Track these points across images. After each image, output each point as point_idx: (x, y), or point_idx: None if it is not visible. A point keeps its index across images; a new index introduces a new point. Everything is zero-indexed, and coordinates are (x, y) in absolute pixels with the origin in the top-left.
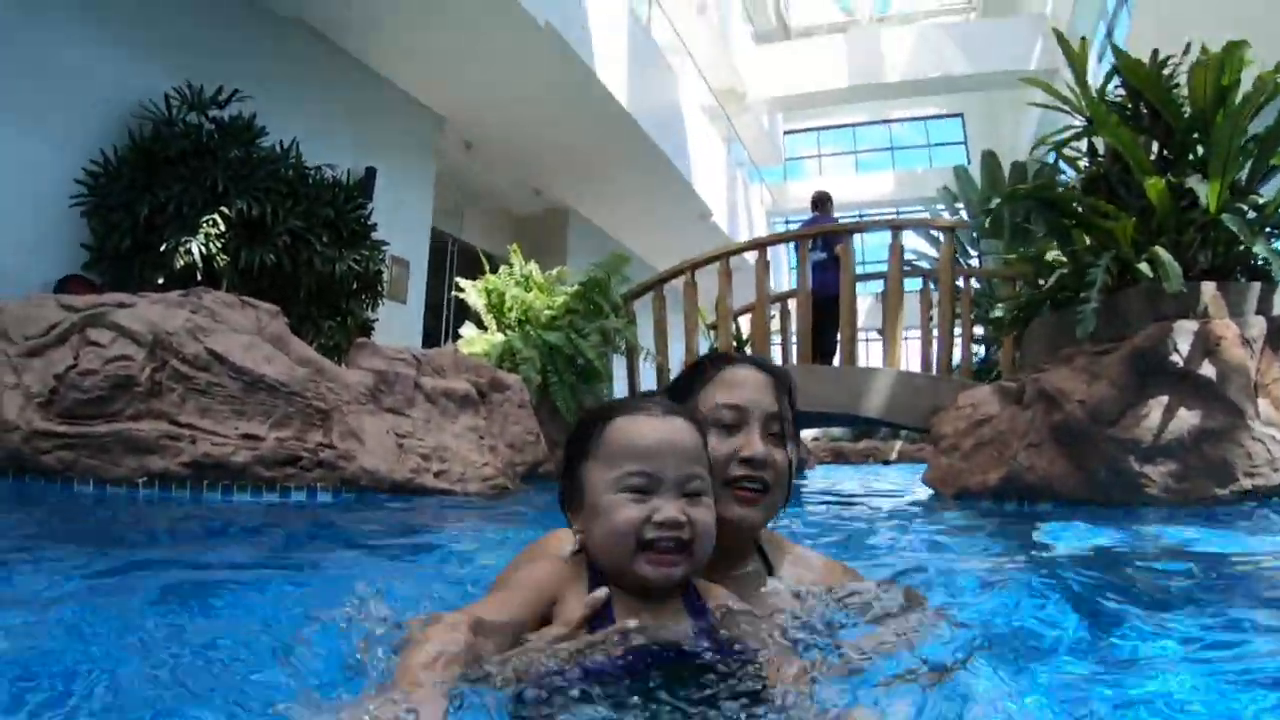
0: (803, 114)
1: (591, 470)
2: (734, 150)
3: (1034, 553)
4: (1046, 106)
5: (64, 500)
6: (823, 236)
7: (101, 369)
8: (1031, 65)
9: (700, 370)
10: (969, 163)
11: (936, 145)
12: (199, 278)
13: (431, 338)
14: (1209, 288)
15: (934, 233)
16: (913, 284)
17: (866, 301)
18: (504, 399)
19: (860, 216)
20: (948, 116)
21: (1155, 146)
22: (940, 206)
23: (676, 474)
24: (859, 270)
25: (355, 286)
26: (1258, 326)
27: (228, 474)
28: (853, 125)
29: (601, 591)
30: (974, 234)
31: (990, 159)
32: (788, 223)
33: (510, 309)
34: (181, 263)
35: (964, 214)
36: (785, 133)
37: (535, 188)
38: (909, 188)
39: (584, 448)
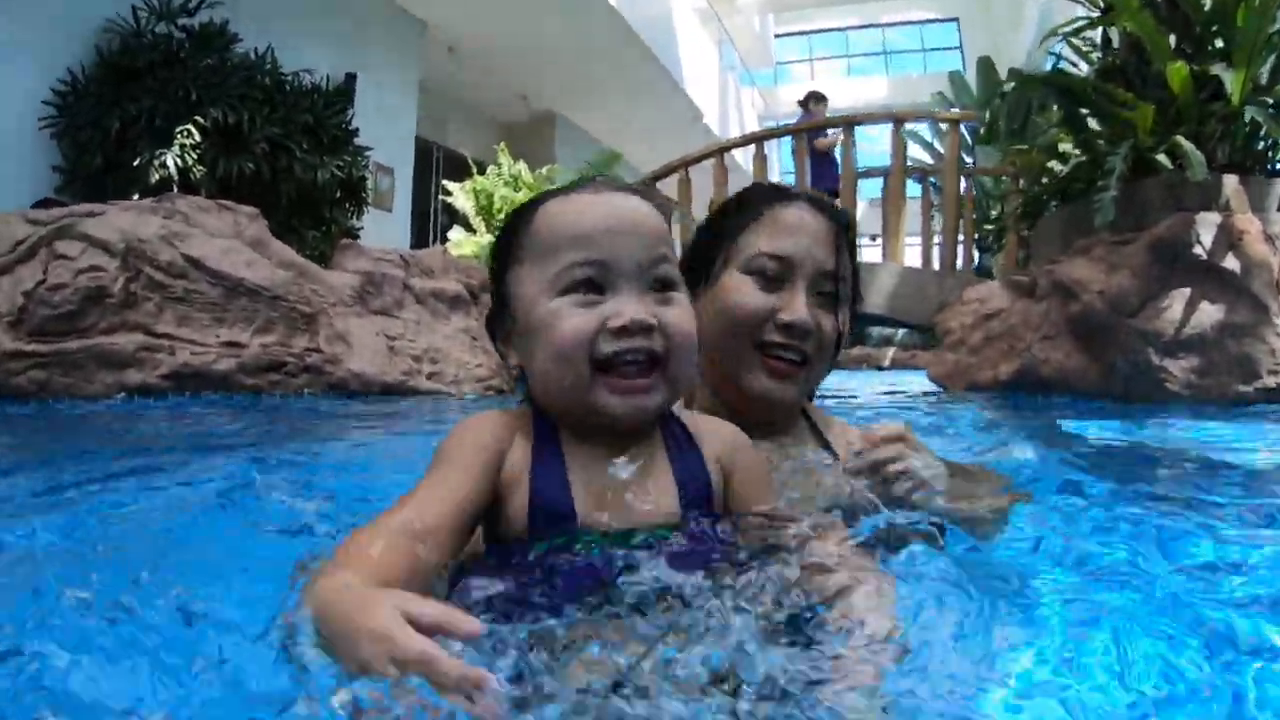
0: (794, 16)
1: (522, 277)
2: (725, 53)
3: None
4: None
5: (39, 421)
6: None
7: (72, 282)
8: None
9: (744, 205)
10: (964, 69)
11: (931, 50)
12: (175, 191)
13: (419, 246)
14: (1231, 180)
15: (942, 127)
16: (910, 191)
17: (860, 207)
18: None
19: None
20: (942, 21)
21: (1173, 39)
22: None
23: (637, 259)
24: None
25: (339, 194)
26: None
27: (209, 383)
28: (845, 29)
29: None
30: (970, 139)
31: (987, 64)
32: (778, 125)
33: (499, 210)
34: (157, 176)
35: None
36: (776, 36)
37: (521, 93)
38: (903, 93)
39: (510, 250)
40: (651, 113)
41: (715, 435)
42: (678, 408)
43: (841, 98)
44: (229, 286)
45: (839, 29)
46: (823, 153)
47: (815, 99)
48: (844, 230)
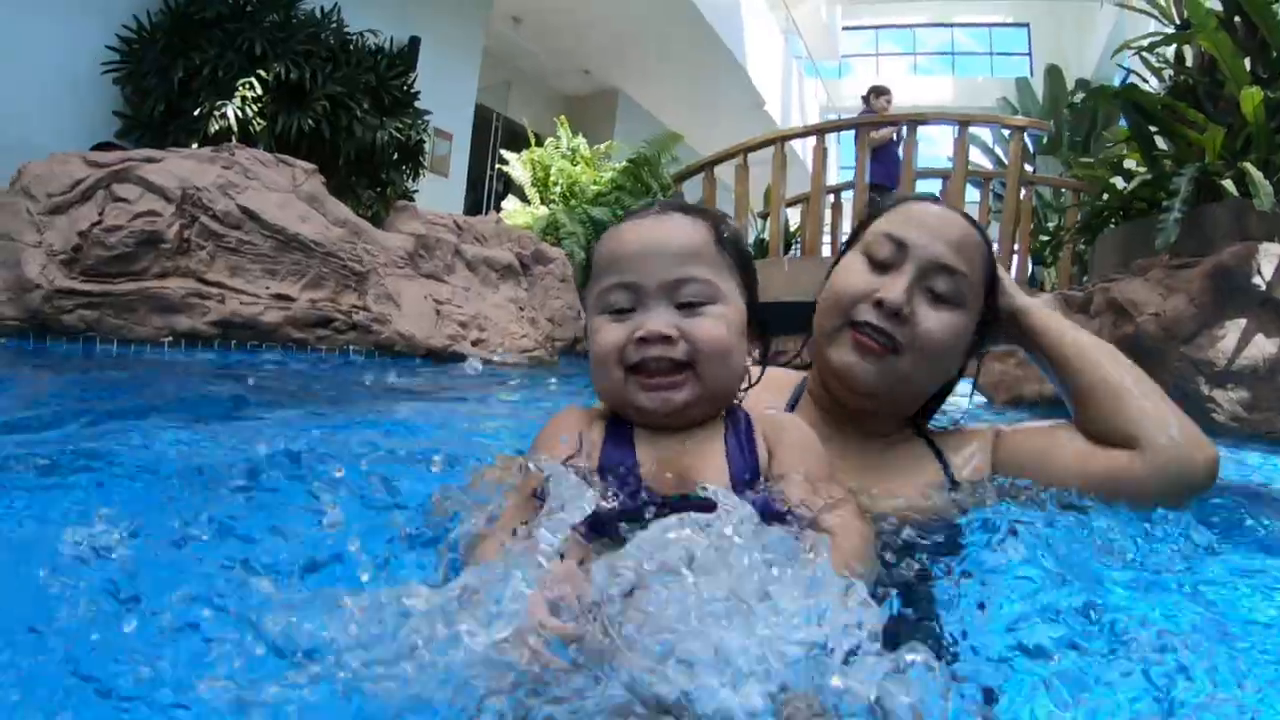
0: (863, 9)
1: (587, 295)
2: (791, 42)
3: None
4: (1134, 9)
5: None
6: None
7: (127, 225)
8: None
9: (874, 207)
10: (1031, 75)
11: (998, 54)
12: (234, 142)
13: (472, 214)
14: None
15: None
16: (968, 195)
17: None
18: (546, 272)
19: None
20: (1013, 25)
21: (1249, 63)
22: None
23: (661, 279)
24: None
25: (396, 156)
26: None
27: (257, 334)
28: (913, 26)
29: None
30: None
31: (1054, 73)
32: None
33: (555, 182)
34: (216, 127)
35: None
36: (843, 28)
37: (584, 67)
38: (967, 96)
39: (588, 274)
40: (713, 96)
41: (770, 419)
42: (756, 405)
43: (906, 96)
44: (282, 240)
45: (907, 25)
46: (879, 146)
47: (876, 92)
48: (981, 234)
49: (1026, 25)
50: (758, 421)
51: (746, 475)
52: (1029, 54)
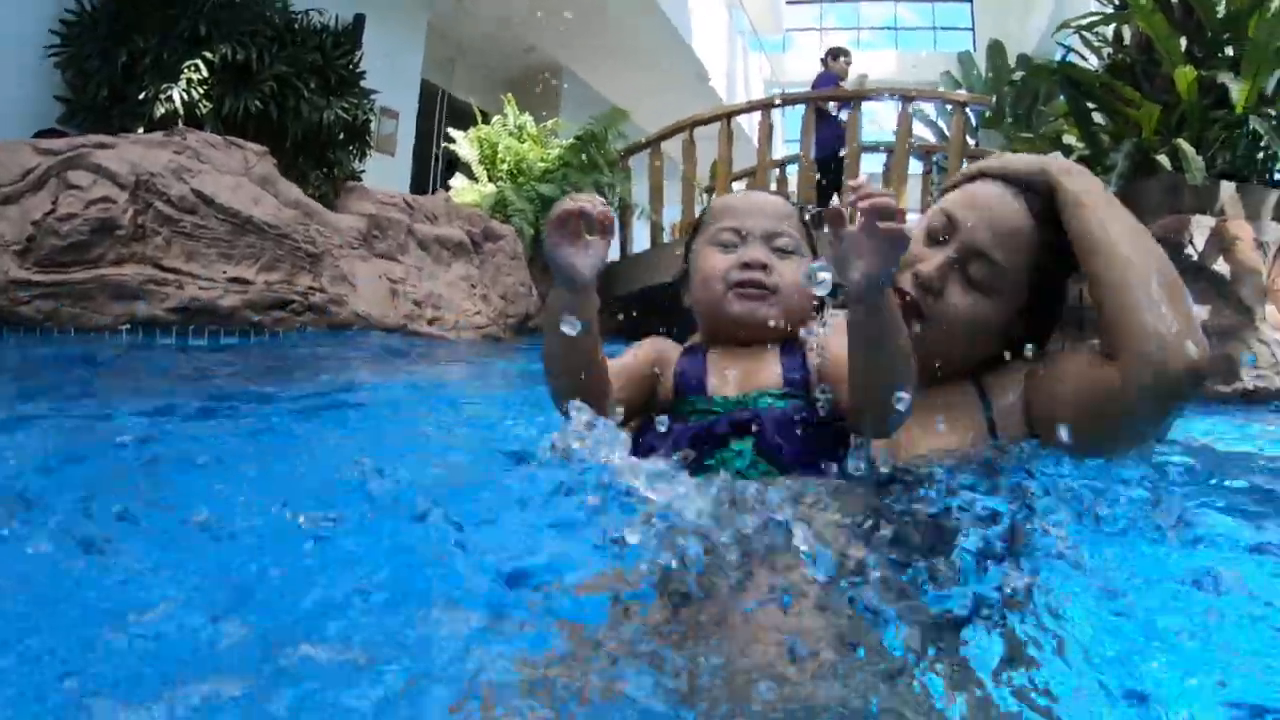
0: None
1: (698, 242)
2: (735, 16)
3: None
4: None
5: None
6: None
7: (82, 213)
8: None
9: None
10: (974, 50)
11: (941, 29)
12: (180, 126)
13: (419, 191)
14: (1228, 187)
15: (948, 107)
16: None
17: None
18: (497, 249)
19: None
20: (956, 1)
21: (1184, 42)
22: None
23: (763, 228)
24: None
25: (342, 136)
26: (1273, 232)
27: (216, 318)
28: (857, 1)
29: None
30: (975, 121)
31: (996, 48)
32: (783, 93)
33: (503, 160)
34: (162, 111)
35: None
36: (788, 3)
37: (529, 43)
38: (910, 71)
39: (697, 228)
40: (658, 71)
41: (817, 342)
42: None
43: (851, 70)
44: (237, 223)
45: (851, 0)
46: (824, 113)
47: (834, 54)
48: (1041, 228)
49: (970, 1)
50: (806, 341)
51: (796, 375)
52: (972, 29)
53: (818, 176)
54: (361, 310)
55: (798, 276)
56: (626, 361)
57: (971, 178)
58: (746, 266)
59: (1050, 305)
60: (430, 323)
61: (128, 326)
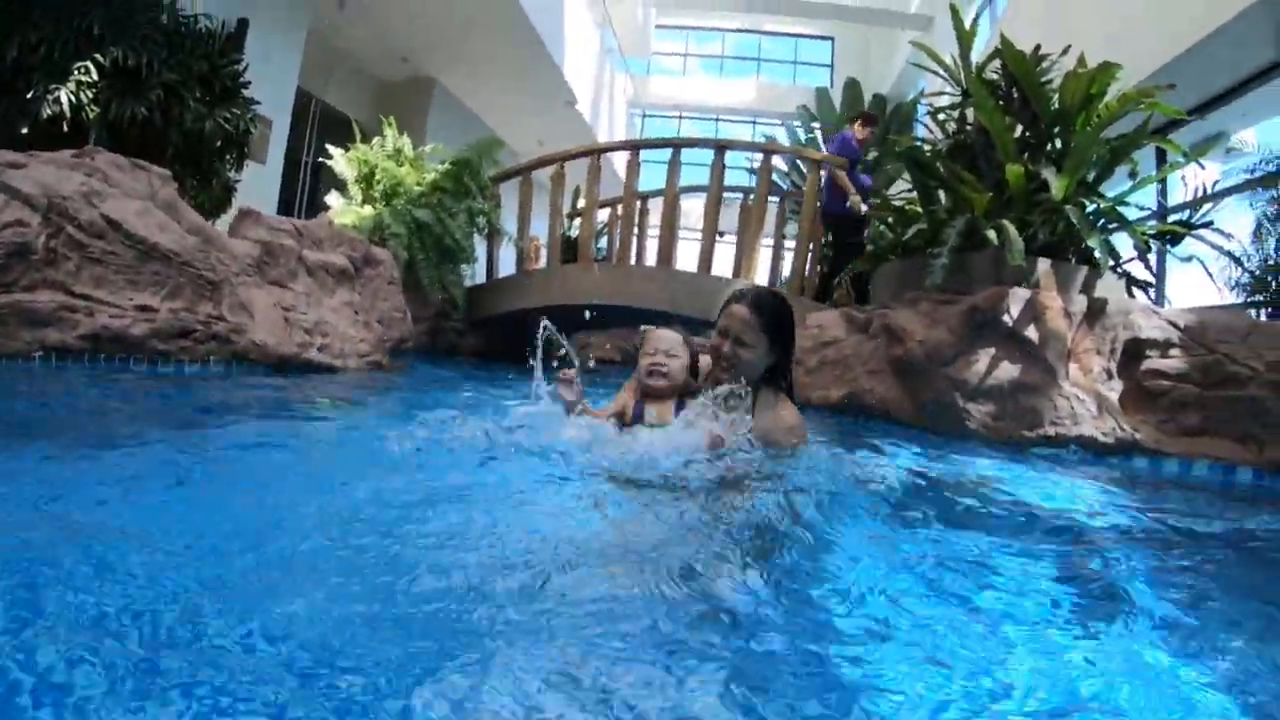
0: (676, 10)
1: (641, 354)
2: (604, 36)
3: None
4: (929, 70)
5: None
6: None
7: None
8: (911, 8)
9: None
10: (831, 85)
11: (802, 63)
12: (65, 129)
13: (287, 200)
14: (1044, 264)
15: (800, 164)
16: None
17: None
18: (376, 274)
19: (717, 120)
20: (818, 38)
21: (1020, 129)
22: (797, 123)
23: (663, 348)
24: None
25: (219, 145)
26: (1080, 304)
27: (125, 347)
28: (722, 30)
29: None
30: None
31: (853, 86)
32: (645, 115)
33: (379, 181)
34: (49, 112)
35: (819, 135)
36: (656, 27)
37: (404, 55)
38: (770, 100)
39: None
40: (528, 91)
41: (693, 405)
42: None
43: (711, 95)
44: (143, 250)
45: (717, 29)
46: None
47: (866, 120)
48: (762, 316)
49: (831, 39)
50: (688, 404)
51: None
52: (831, 65)
53: (828, 236)
54: (259, 339)
55: (675, 366)
56: (620, 401)
57: (728, 302)
58: (654, 362)
59: (785, 347)
60: (320, 350)
61: (40, 354)
